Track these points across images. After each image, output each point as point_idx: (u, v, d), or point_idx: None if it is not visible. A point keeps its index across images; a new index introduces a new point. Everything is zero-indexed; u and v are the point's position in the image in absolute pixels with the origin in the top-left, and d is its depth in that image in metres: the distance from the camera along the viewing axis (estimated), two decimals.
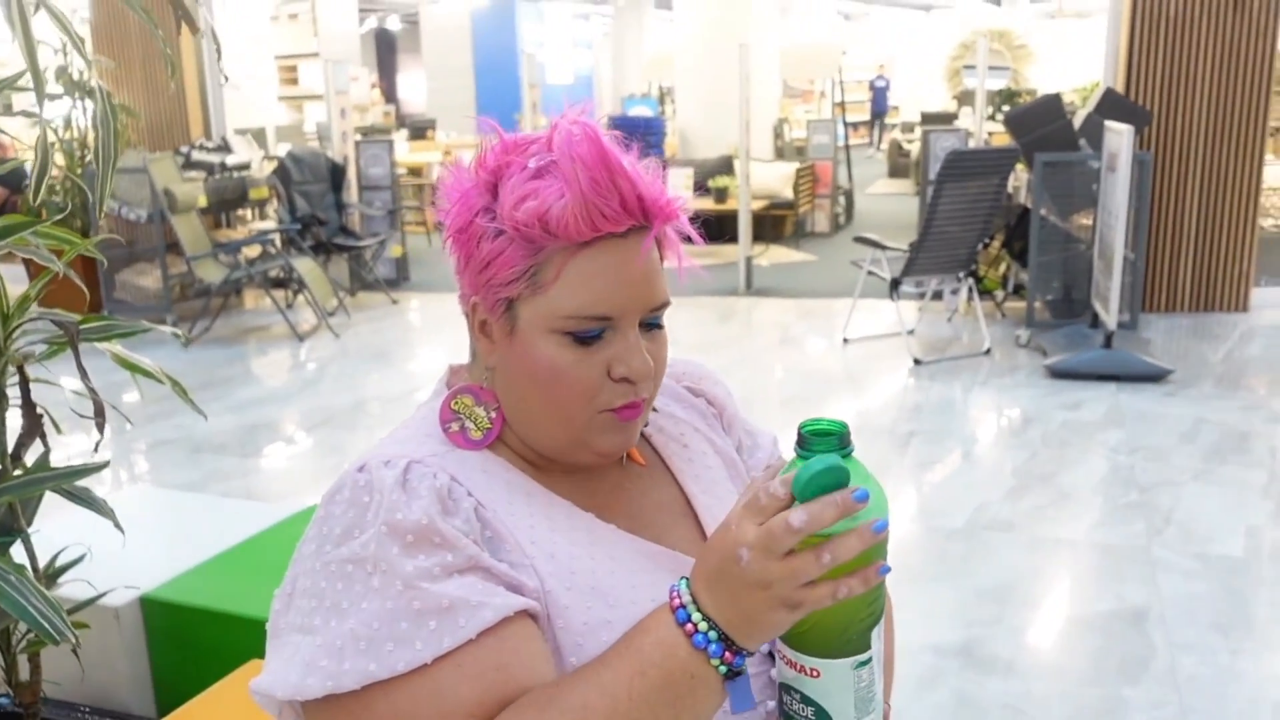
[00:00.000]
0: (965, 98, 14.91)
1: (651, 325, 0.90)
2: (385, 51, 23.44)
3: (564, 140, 0.84)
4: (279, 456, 4.79)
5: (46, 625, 1.23)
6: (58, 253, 1.52)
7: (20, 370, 1.44)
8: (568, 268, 0.85)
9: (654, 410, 1.04)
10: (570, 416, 0.89)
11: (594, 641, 0.83)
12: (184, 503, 2.65)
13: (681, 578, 0.80)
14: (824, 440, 0.75)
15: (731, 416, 1.11)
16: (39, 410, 1.47)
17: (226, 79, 1.87)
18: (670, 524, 0.97)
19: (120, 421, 4.10)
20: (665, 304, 0.90)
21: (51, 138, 6.67)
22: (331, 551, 0.82)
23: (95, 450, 1.46)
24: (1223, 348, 5.86)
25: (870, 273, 6.09)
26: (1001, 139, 8.66)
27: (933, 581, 3.22)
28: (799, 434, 0.75)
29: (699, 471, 1.02)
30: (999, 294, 6.80)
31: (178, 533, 2.05)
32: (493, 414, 0.93)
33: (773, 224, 10.06)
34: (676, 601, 0.78)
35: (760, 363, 6.15)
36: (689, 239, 0.95)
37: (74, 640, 1.24)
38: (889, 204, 12.82)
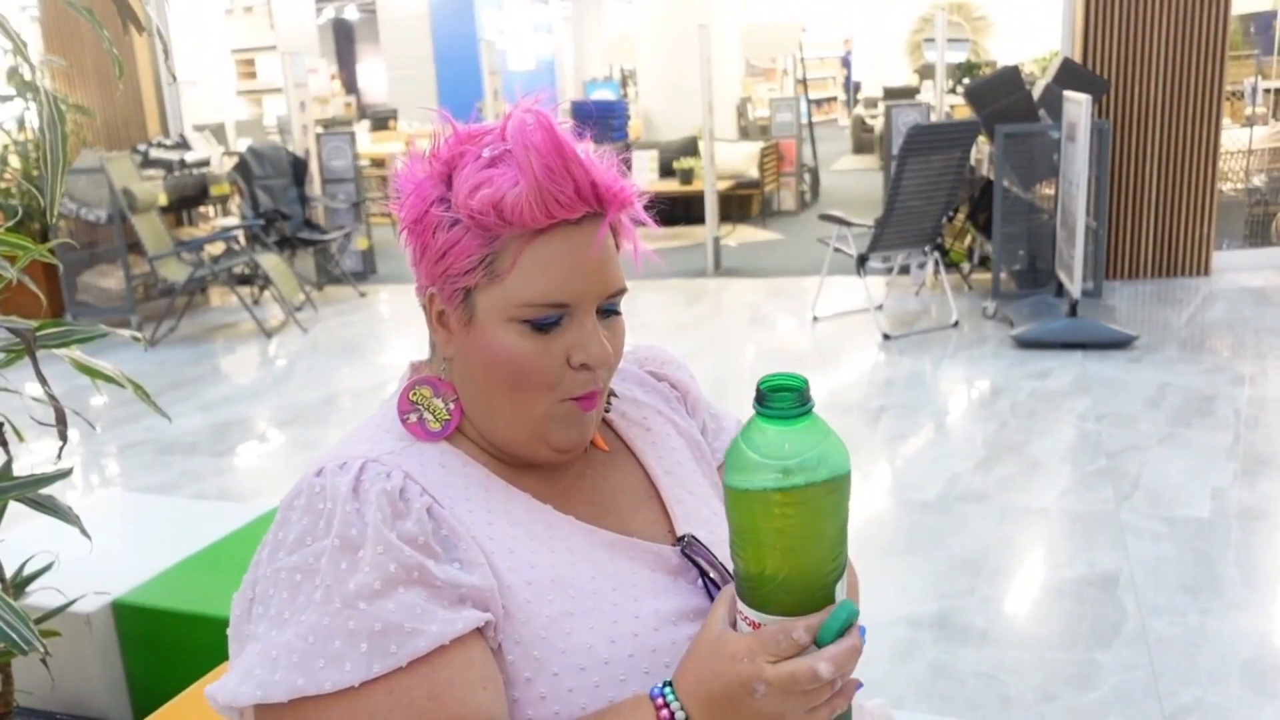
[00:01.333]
0: (926, 71, 14.96)
1: (609, 312, 0.91)
2: (344, 42, 23.21)
3: (518, 128, 0.85)
4: (251, 455, 4.76)
5: (14, 635, 1.22)
6: (11, 258, 1.50)
7: None
8: (524, 255, 0.86)
9: (615, 396, 1.05)
10: (530, 406, 0.89)
11: (557, 633, 0.84)
12: (154, 506, 2.63)
13: (665, 683, 0.80)
14: (783, 396, 0.75)
15: (695, 399, 1.11)
16: None
17: (175, 78, 1.84)
18: (633, 508, 0.98)
19: (88, 426, 4.07)
20: (621, 290, 0.90)
21: (4, 140, 6.58)
22: (284, 559, 0.83)
23: (59, 457, 1.44)
24: (1185, 312, 5.93)
25: (837, 249, 6.12)
26: (963, 112, 8.69)
27: (906, 554, 3.25)
28: (758, 390, 0.75)
29: (662, 454, 1.03)
30: (965, 266, 6.85)
31: (148, 536, 2.04)
32: (451, 405, 0.93)
33: (739, 204, 10.07)
34: (665, 713, 0.79)
35: (731, 343, 6.17)
36: (646, 225, 0.96)
37: (42, 650, 1.24)
38: (854, 180, 12.87)
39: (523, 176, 0.84)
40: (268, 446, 4.89)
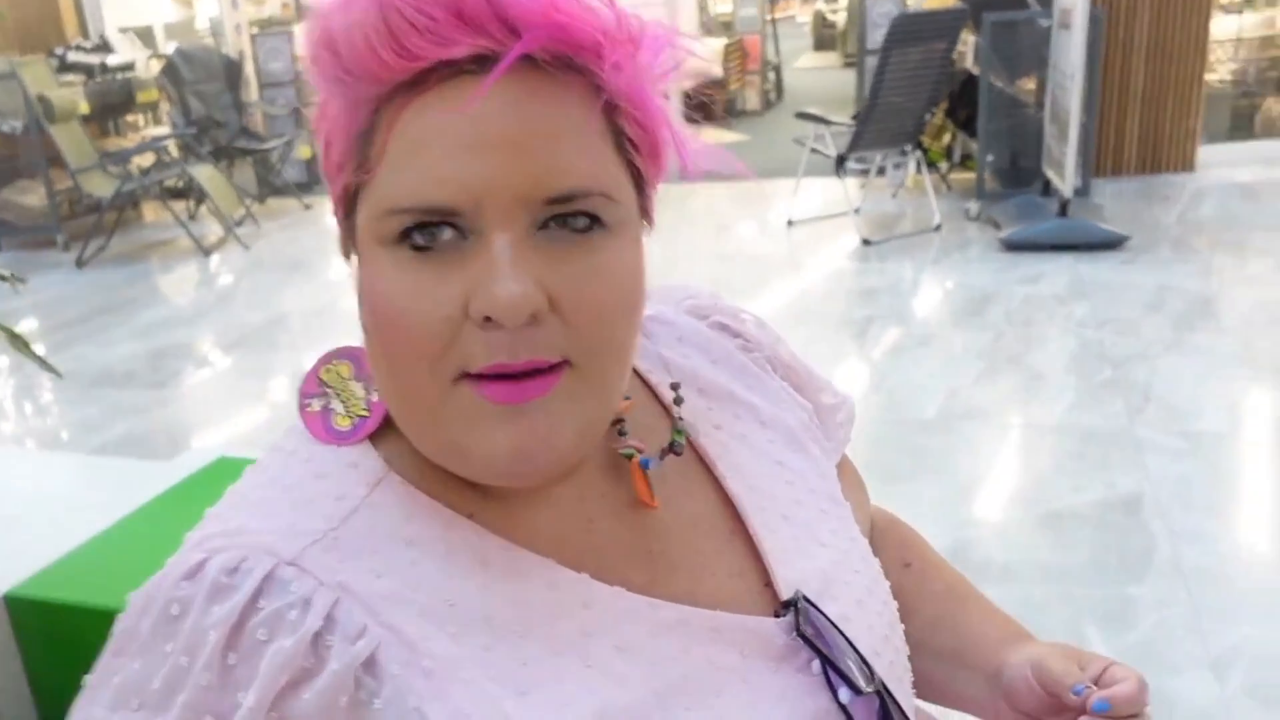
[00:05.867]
0: None
1: (568, 226, 0.54)
2: None
3: None
4: (193, 384, 4.40)
5: None
6: None
7: None
8: (395, 128, 0.53)
9: (664, 366, 0.72)
10: (417, 387, 0.54)
11: None
12: (57, 467, 2.30)
13: None
14: None
15: (789, 366, 0.78)
16: None
17: None
18: (713, 554, 0.65)
19: None
20: (579, 194, 0.53)
21: None
22: (100, 714, 0.53)
23: None
24: (1175, 210, 5.68)
25: (814, 150, 5.78)
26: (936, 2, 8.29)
27: (912, 480, 3.00)
28: None
29: (742, 459, 0.69)
30: (943, 166, 6.54)
31: (50, 508, 1.72)
32: (375, 395, 0.61)
33: (701, 104, 9.63)
34: None
35: (702, 253, 5.85)
36: (700, 111, 0.65)
37: None
38: (818, 78, 12.44)
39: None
40: (211, 373, 4.54)
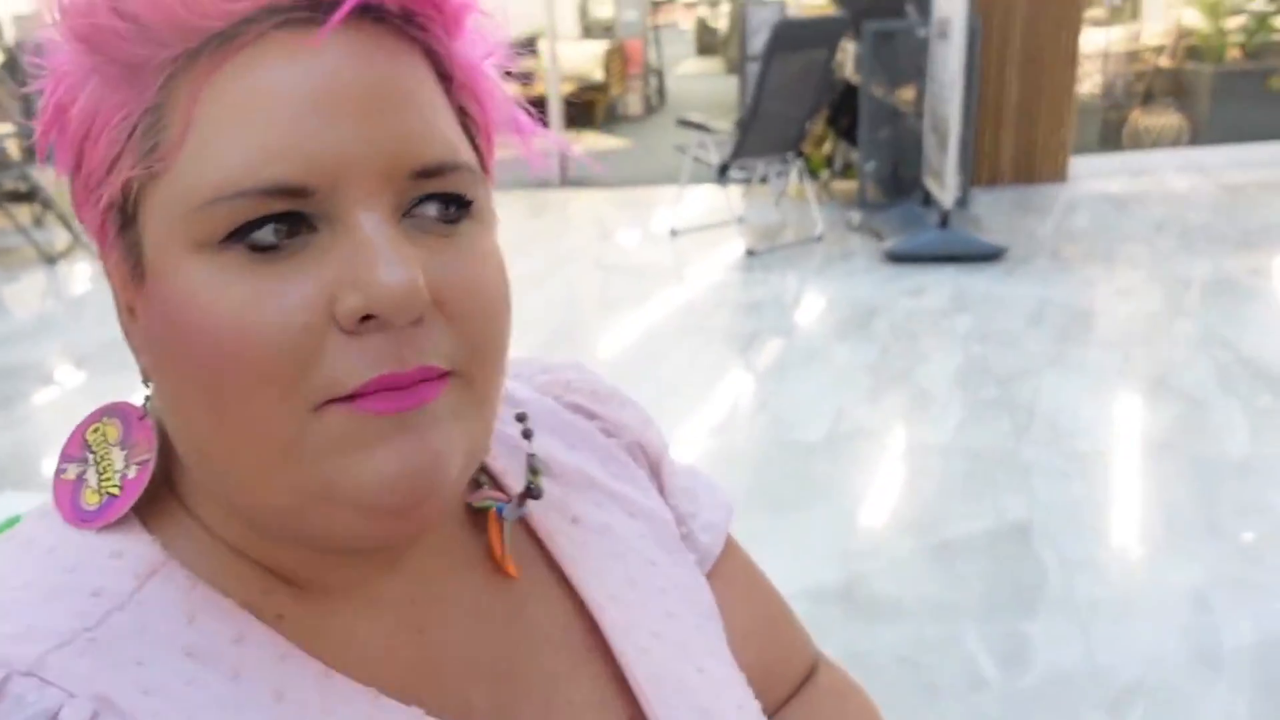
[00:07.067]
0: None
1: (436, 213, 0.42)
2: None
3: None
4: (37, 405, 4.05)
5: None
6: None
7: None
8: (204, 96, 0.40)
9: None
10: (258, 424, 0.40)
11: None
12: None
13: None
14: None
15: (657, 458, 0.63)
16: None
17: None
18: (566, 676, 0.51)
19: None
20: (449, 165, 0.42)
21: None
22: None
23: None
24: (1049, 221, 5.76)
25: (696, 158, 5.68)
26: (820, 11, 8.31)
27: (800, 509, 2.89)
28: None
29: (603, 562, 0.56)
30: (825, 174, 6.52)
31: None
32: (136, 466, 0.45)
33: (582, 109, 9.48)
34: None
35: (582, 260, 5.69)
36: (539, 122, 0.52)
37: None
38: (700, 84, 12.43)
39: None
40: (58, 394, 4.18)
